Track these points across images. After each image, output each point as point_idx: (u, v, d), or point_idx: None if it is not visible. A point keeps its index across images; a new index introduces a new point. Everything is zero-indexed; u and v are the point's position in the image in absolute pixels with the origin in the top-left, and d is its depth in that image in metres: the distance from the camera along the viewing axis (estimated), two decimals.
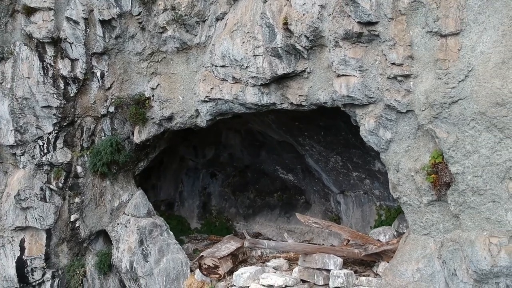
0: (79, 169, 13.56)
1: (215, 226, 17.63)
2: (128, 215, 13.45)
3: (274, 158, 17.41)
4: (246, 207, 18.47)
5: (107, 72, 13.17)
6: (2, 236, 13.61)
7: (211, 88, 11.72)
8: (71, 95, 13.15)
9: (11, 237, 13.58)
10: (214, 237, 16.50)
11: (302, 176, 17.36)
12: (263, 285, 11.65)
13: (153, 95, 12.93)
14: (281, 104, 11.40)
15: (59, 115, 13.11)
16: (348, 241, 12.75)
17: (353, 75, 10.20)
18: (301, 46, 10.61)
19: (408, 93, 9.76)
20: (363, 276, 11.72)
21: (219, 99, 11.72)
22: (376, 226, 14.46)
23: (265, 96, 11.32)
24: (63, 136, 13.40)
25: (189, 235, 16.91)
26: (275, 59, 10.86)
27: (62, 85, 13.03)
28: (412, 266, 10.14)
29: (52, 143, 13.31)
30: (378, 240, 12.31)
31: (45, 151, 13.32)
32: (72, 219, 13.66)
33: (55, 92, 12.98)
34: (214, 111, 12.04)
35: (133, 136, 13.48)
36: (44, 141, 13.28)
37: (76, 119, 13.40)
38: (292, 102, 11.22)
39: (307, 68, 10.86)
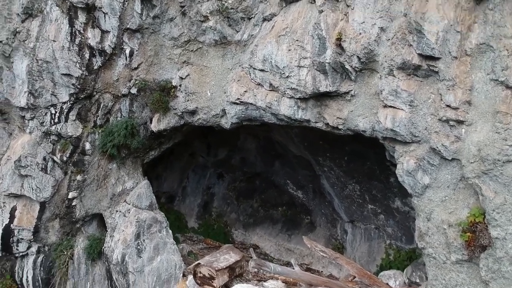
0: (87, 145, 12.77)
1: (213, 229, 16.88)
2: (130, 204, 12.69)
3: (287, 171, 16.66)
4: (248, 216, 17.73)
5: (137, 51, 12.36)
6: None
7: (245, 91, 10.93)
8: (95, 67, 12.34)
9: (3, 203, 12.84)
10: (210, 242, 15.77)
11: (312, 195, 16.61)
12: None
13: (180, 85, 12.14)
14: (315, 122, 10.62)
15: (78, 86, 12.31)
16: (354, 277, 11.99)
17: (402, 109, 9.42)
18: (350, 66, 9.83)
19: (458, 140, 8.98)
20: None
21: (251, 104, 10.93)
22: (383, 266, 13.73)
23: (300, 111, 10.53)
24: (77, 108, 12.61)
25: (185, 233, 16.16)
26: (320, 75, 10.08)
27: (87, 55, 12.23)
28: None
29: (64, 113, 12.52)
30: (387, 284, 11.54)
31: (56, 120, 12.52)
32: (70, 196, 12.91)
33: (79, 61, 12.17)
34: (243, 116, 11.26)
35: (151, 123, 12.70)
36: (57, 110, 12.49)
37: (95, 93, 12.60)
38: (328, 123, 10.44)
39: (351, 90, 10.08)
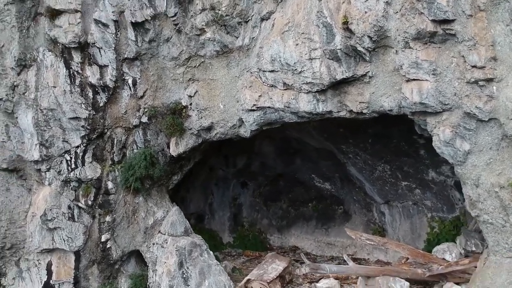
0: (109, 185, 12.40)
1: (248, 239, 16.53)
2: (165, 234, 12.32)
3: (309, 166, 16.31)
4: (279, 218, 17.39)
5: (139, 79, 12.01)
6: (27, 260, 12.48)
7: (259, 96, 10.60)
8: (101, 105, 11.98)
9: (37, 260, 12.46)
10: (250, 253, 15.43)
11: (341, 185, 16.26)
12: None
13: (190, 104, 11.81)
14: (338, 112, 10.29)
15: (88, 127, 11.95)
16: (407, 259, 11.67)
17: (426, 80, 9.09)
18: (363, 48, 9.51)
19: (491, 99, 8.66)
20: None
21: (268, 107, 10.60)
22: (430, 240, 13.39)
23: (320, 103, 10.20)
24: (91, 149, 12.24)
25: (222, 250, 15.83)
26: (334, 63, 9.75)
27: (90, 94, 11.88)
28: None
29: (80, 158, 12.16)
30: (443, 259, 11.21)
31: (73, 166, 12.16)
32: (103, 239, 12.51)
33: (83, 102, 11.81)
34: (262, 121, 10.93)
35: (168, 148, 12.36)
36: (71, 155, 12.13)
37: (106, 130, 12.22)
38: (351, 110, 10.11)
39: (368, 72, 9.75)
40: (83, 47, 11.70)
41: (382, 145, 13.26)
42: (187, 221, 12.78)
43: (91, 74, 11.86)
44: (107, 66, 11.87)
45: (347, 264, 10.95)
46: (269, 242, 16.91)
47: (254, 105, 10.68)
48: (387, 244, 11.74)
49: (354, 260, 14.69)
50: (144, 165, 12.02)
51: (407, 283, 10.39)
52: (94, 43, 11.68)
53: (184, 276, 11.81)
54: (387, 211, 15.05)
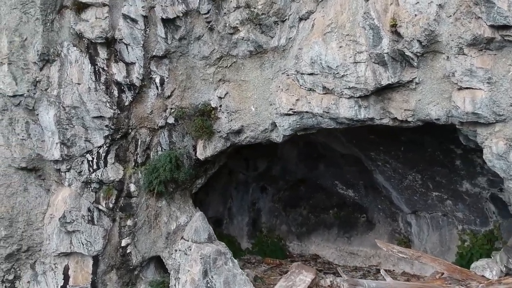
0: (132, 187, 11.88)
1: (267, 246, 16.02)
2: (188, 240, 11.78)
3: (333, 172, 15.79)
4: (299, 225, 16.87)
5: (167, 78, 11.49)
6: (43, 263, 11.95)
7: (297, 100, 10.09)
8: (126, 104, 11.45)
9: (54, 264, 11.93)
10: (270, 261, 14.90)
11: (365, 192, 15.74)
12: None
13: (220, 105, 11.30)
14: (380, 119, 9.78)
15: (112, 127, 11.41)
16: (442, 274, 11.15)
17: (480, 89, 8.58)
18: (411, 52, 8.99)
19: None
20: None
21: (306, 112, 10.09)
22: (462, 254, 12.89)
23: (362, 110, 9.69)
24: (114, 150, 11.71)
25: (241, 257, 15.28)
26: (379, 67, 9.24)
27: (116, 93, 11.35)
28: None
29: (102, 158, 11.63)
30: (483, 276, 10.68)
31: (95, 166, 11.63)
32: (123, 244, 11.98)
33: (108, 101, 11.28)
34: (298, 126, 10.42)
35: (194, 151, 11.85)
36: (93, 156, 11.61)
37: (130, 131, 11.69)
38: (395, 118, 9.60)
39: (415, 78, 9.24)
40: (110, 43, 11.20)
41: (415, 154, 12.76)
42: (210, 227, 12.26)
43: (117, 72, 11.35)
44: (134, 63, 11.38)
45: (384, 279, 10.43)
46: (288, 250, 16.40)
47: (291, 109, 10.17)
48: (421, 258, 11.22)
49: (378, 271, 14.20)
50: (169, 168, 11.51)
51: None
52: (122, 39, 11.18)
53: (209, 285, 11.28)
54: (414, 221, 14.55)
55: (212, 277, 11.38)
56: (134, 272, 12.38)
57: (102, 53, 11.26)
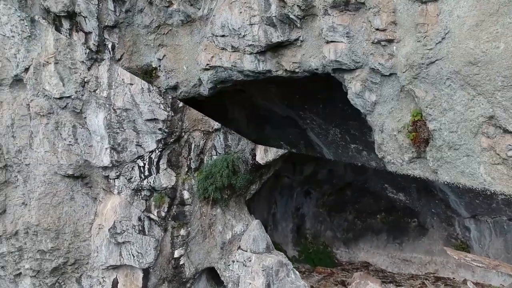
0: (185, 194, 11.30)
1: (314, 253, 15.65)
2: (246, 250, 11.35)
3: (384, 176, 15.22)
4: (345, 231, 16.40)
5: (117, 44, 14.02)
6: (91, 276, 11.20)
7: (212, 57, 12.53)
8: (180, 105, 10.96)
9: (102, 278, 11.28)
10: (322, 269, 14.77)
11: (417, 196, 15.32)
12: None
13: (159, 66, 13.79)
14: (276, 71, 12.13)
15: (166, 130, 10.88)
16: None
17: (341, 41, 10.87)
18: (294, 16, 11.32)
19: (392, 57, 10.40)
20: None
21: (219, 66, 12.52)
22: None
23: (261, 63, 12.07)
24: (167, 155, 11.10)
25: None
26: (270, 28, 11.60)
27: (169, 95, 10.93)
28: None
29: (154, 164, 10.94)
30: None
31: (146, 173, 10.93)
32: (176, 255, 11.39)
33: (162, 102, 10.78)
34: (215, 79, 12.84)
35: (250, 155, 11.94)
36: (145, 161, 10.83)
37: (183, 134, 11.26)
38: (286, 69, 11.94)
39: (300, 36, 11.56)
40: (71, 16, 13.75)
41: (331, 109, 14.95)
42: (268, 236, 11.91)
43: (77, 39, 13.93)
44: (91, 32, 13.89)
45: None
46: (336, 257, 15.98)
47: (208, 64, 12.62)
48: (499, 267, 10.70)
49: (438, 279, 13.72)
50: (226, 173, 11.12)
51: None
52: (80, 13, 13.73)
53: None
54: (473, 226, 14.37)
55: None
56: (187, 284, 11.83)
57: (66, 24, 13.87)
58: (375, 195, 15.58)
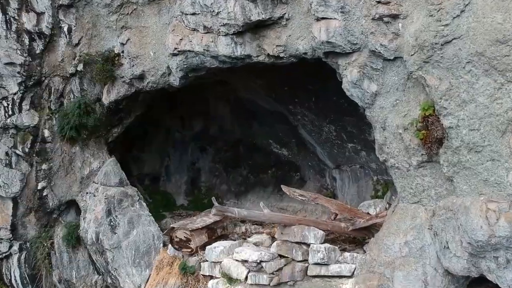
0: (46, 133, 12.52)
1: (202, 203, 16.41)
2: (98, 183, 12.38)
3: (266, 131, 16.06)
4: (239, 184, 17.18)
5: (74, 26, 12.07)
6: None
7: (180, 39, 10.53)
8: (37, 52, 12.07)
9: None
10: (198, 213, 15.32)
11: (297, 150, 15.95)
12: (236, 260, 10.48)
13: (122, 51, 11.80)
14: (257, 56, 10.14)
15: (24, 74, 12.05)
16: (336, 215, 11.44)
17: (334, 18, 8.86)
18: None
19: (397, 37, 8.42)
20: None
21: (189, 51, 10.51)
22: None
23: (239, 47, 10.07)
24: (29, 97, 12.35)
25: (173, 211, 15.77)
26: (249, 3, 9.58)
27: (27, 41, 11.96)
28: (399, 239, 8.82)
29: (17, 104, 12.27)
30: (368, 213, 10.99)
31: (10, 112, 12.29)
32: (39, 187, 12.61)
33: (19, 48, 11.93)
34: (185, 66, 10.83)
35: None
36: (9, 102, 12.26)
37: (44, 78, 12.33)
38: (269, 54, 9.94)
39: (285, 13, 9.57)
40: None
41: (325, 103, 13.01)
42: (123, 173, 12.82)
43: (27, 21, 12.00)
44: (44, 13, 11.96)
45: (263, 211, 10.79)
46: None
47: (176, 48, 10.61)
48: (317, 199, 11.52)
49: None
50: (78, 113, 12.08)
51: (322, 232, 10.17)
52: None
53: (112, 224, 11.85)
54: (338, 175, 14.77)
55: (116, 216, 11.93)
56: (53, 215, 12.99)
57: (13, 3, 11.88)
58: (264, 152, 16.39)
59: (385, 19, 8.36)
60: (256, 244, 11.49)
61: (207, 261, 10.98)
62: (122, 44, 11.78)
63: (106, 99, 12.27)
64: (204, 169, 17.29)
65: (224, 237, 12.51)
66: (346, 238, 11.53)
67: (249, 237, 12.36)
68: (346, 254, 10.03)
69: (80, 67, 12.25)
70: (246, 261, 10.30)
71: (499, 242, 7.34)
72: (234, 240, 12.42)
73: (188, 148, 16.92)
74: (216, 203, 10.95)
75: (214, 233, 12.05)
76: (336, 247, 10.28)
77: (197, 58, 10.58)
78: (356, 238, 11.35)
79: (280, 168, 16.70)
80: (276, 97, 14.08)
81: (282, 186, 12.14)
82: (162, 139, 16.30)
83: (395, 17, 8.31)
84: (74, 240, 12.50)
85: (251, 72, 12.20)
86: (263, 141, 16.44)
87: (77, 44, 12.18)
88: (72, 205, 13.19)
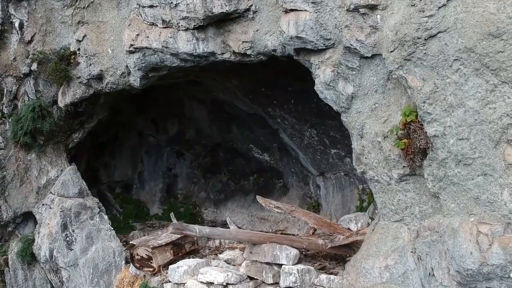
0: None
1: (179, 212, 15.33)
2: (54, 194, 11.30)
3: (247, 136, 14.99)
4: (218, 192, 16.14)
5: (27, 22, 11.00)
6: None
7: (137, 35, 9.42)
8: None
9: None
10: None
11: (279, 156, 14.89)
12: (201, 281, 9.38)
13: (79, 49, 10.71)
14: (222, 54, 9.01)
15: None
16: (315, 230, 10.35)
17: (305, 10, 7.73)
18: None
19: (375, 31, 7.29)
20: (328, 273, 9.32)
21: (146, 48, 9.39)
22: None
23: (201, 43, 8.94)
24: None
25: (145, 221, 14.69)
26: None
27: None
28: (379, 262, 7.68)
29: None
30: (348, 229, 9.88)
31: None
32: None
33: None
34: (143, 65, 9.71)
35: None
36: None
37: None
38: (234, 51, 8.82)
39: (252, 5, 8.44)
40: None
41: (304, 105, 11.91)
42: (83, 182, 11.74)
43: None
44: None
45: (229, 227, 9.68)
46: (202, 216, 15.70)
47: (132, 45, 9.49)
48: (294, 212, 10.43)
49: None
50: (32, 117, 11.03)
51: (295, 252, 9.06)
52: None
53: (68, 239, 10.75)
54: (322, 183, 13.70)
55: (72, 231, 10.86)
56: (8, 228, 11.96)
57: None
58: (245, 157, 15.37)
59: (362, 10, 7.23)
60: (227, 261, 10.42)
61: (170, 282, 9.87)
62: (78, 41, 10.67)
63: (62, 101, 11.17)
64: (181, 176, 16.25)
65: (194, 252, 11.44)
66: (328, 254, 10.45)
67: (221, 252, 11.30)
68: (323, 276, 8.92)
69: (34, 66, 11.17)
70: (211, 283, 9.22)
71: (492, 271, 6.22)
72: (205, 256, 11.36)
73: (164, 153, 15.90)
74: (174, 220, 9.86)
75: (182, 249, 10.95)
76: (312, 267, 9.18)
77: (155, 56, 9.45)
78: (338, 255, 10.28)
79: (262, 175, 15.70)
80: (254, 99, 12.98)
81: (257, 196, 11.03)
82: (134, 143, 15.25)
83: (373, 8, 7.18)
84: (29, 256, 11.42)
85: (225, 71, 11.13)
86: (243, 146, 15.37)
87: (30, 41, 11.08)
88: (29, 217, 12.13)
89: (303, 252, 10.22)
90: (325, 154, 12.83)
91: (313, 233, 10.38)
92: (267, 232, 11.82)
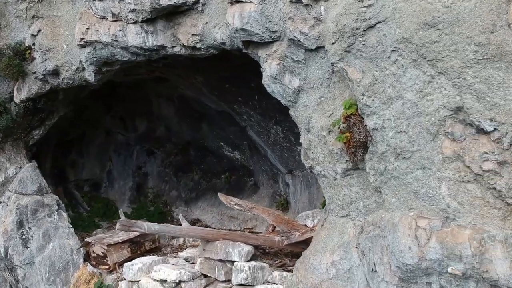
0: None
1: (148, 211, 15.15)
2: (12, 191, 11.10)
3: (217, 133, 14.83)
4: (189, 190, 15.95)
5: None
6: None
7: (87, 29, 9.24)
8: None
9: None
10: None
11: (250, 154, 14.74)
12: (155, 279, 9.22)
13: (34, 44, 10.51)
14: (172, 47, 8.84)
15: None
16: (274, 227, 10.20)
17: (250, 1, 7.58)
18: None
19: (319, 23, 7.14)
20: (286, 271, 9.19)
21: (96, 41, 9.21)
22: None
23: (150, 36, 8.77)
24: None
25: (113, 220, 14.46)
26: None
27: None
28: (326, 258, 7.53)
29: None
30: (305, 225, 9.73)
31: None
32: None
33: None
34: (95, 59, 9.54)
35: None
36: None
37: None
38: (184, 44, 8.65)
39: None
40: None
41: (268, 102, 11.74)
42: (43, 180, 11.54)
43: None
44: None
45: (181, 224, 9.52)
46: (172, 215, 15.51)
47: (82, 39, 9.32)
48: (254, 209, 10.28)
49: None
50: None
51: (247, 249, 8.92)
52: None
53: (24, 237, 10.56)
54: (290, 181, 13.54)
55: (29, 228, 10.67)
56: None
57: None
58: (216, 155, 15.22)
59: (305, 1, 7.09)
60: (187, 259, 10.28)
61: (125, 279, 9.70)
62: (33, 36, 10.47)
63: (17, 97, 10.97)
64: (152, 174, 16.05)
65: (155, 250, 11.28)
66: (290, 252, 10.32)
67: (182, 250, 11.14)
68: (276, 273, 8.79)
69: None
70: (164, 280, 9.06)
71: (431, 266, 6.08)
72: (166, 254, 11.19)
73: (133, 151, 15.70)
74: (122, 216, 9.68)
75: (141, 247, 10.79)
76: (266, 264, 9.04)
77: (106, 50, 9.28)
78: (300, 253, 10.14)
79: (233, 173, 15.53)
80: (219, 96, 12.82)
81: (219, 194, 10.90)
82: (102, 141, 15.06)
83: None
84: None
85: (189, 67, 10.98)
86: (214, 144, 15.21)
87: None
88: None
89: (262, 250, 10.10)
90: (291, 152, 12.67)
91: (273, 230, 10.23)
92: (231, 230, 11.59)
